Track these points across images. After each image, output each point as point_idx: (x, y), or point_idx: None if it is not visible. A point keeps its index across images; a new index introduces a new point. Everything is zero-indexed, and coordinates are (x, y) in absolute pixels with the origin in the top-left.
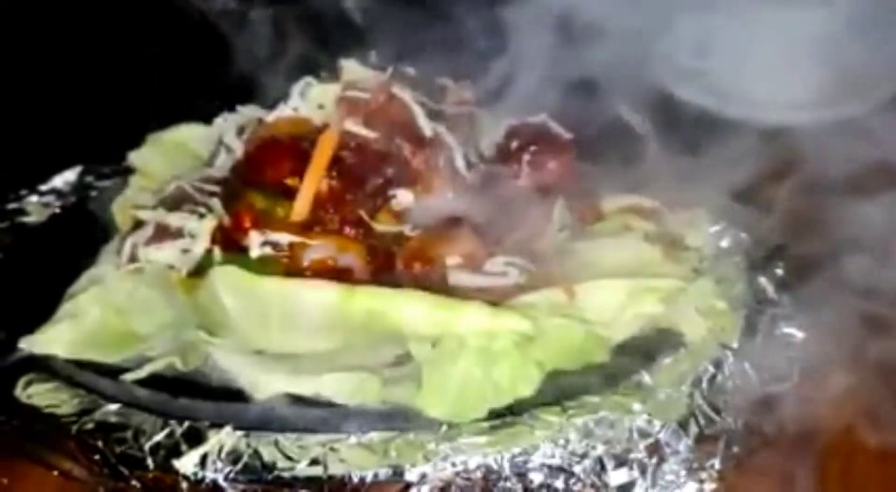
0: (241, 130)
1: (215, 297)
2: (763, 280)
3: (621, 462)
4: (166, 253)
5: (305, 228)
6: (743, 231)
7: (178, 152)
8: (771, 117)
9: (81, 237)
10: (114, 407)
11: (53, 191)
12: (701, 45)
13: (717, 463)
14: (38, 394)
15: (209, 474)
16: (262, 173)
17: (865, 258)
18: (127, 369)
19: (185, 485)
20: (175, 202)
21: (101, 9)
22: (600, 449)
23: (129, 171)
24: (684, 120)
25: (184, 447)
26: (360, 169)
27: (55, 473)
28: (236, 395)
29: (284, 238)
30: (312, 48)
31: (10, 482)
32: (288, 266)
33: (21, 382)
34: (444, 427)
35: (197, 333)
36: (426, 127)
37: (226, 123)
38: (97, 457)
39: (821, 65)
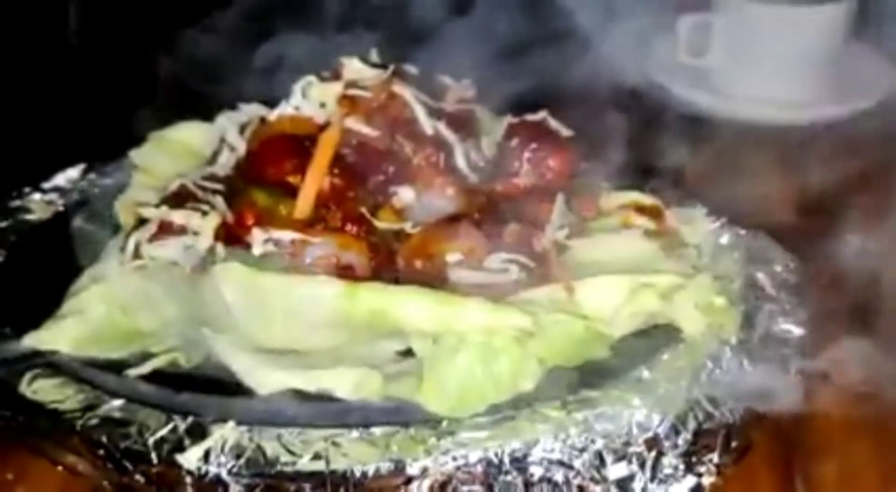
0: (243, 128)
1: (218, 293)
2: (761, 276)
3: (620, 456)
4: (170, 250)
5: (308, 225)
6: (742, 228)
7: (180, 150)
8: (770, 117)
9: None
10: (118, 403)
11: (56, 189)
12: (700, 44)
13: (715, 457)
14: (43, 390)
15: (212, 469)
16: (265, 171)
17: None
18: (131, 365)
19: (188, 479)
20: (178, 200)
21: (103, 7)
22: (600, 443)
23: (133, 168)
24: (684, 119)
25: (187, 442)
26: (361, 167)
27: (60, 468)
28: (239, 390)
29: (287, 235)
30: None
31: (15, 477)
32: (290, 263)
33: (26, 377)
34: (445, 422)
35: (200, 329)
36: (427, 125)
37: (228, 121)
38: (101, 452)
39: (820, 65)
